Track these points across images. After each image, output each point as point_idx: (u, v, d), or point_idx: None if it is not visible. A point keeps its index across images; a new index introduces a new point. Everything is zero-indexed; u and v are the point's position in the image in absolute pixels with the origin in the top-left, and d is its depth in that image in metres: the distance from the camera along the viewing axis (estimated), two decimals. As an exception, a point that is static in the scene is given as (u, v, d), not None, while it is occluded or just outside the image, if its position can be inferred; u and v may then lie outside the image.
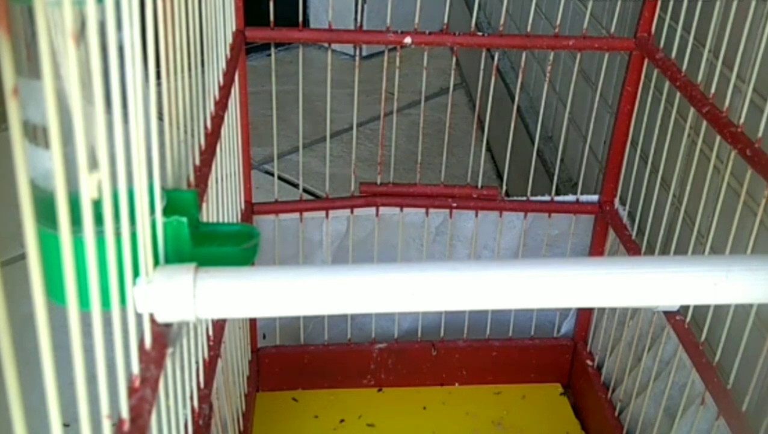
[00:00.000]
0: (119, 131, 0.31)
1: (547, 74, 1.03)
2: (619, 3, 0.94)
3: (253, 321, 1.00)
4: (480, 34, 0.90)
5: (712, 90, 0.72)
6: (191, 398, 0.54)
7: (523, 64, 0.99)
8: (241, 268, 0.34)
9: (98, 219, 0.29)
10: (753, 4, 0.68)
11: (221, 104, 0.66)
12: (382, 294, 0.34)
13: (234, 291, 0.34)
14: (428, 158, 1.73)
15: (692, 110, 0.75)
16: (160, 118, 0.39)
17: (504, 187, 1.01)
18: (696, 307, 0.79)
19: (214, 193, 0.62)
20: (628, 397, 0.91)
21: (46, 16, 0.23)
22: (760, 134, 0.64)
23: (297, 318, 1.03)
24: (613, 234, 0.95)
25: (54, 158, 0.24)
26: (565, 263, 0.35)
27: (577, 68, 0.97)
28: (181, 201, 0.40)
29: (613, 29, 0.91)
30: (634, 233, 0.91)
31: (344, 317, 1.05)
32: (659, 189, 0.87)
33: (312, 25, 2.31)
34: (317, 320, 1.05)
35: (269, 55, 2.16)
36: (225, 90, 0.68)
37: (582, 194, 0.99)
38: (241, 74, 0.84)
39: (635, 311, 0.91)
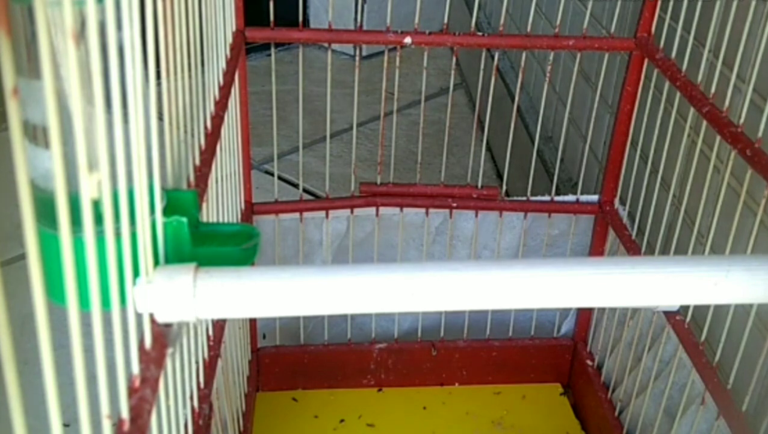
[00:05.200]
0: (119, 131, 0.31)
1: (547, 74, 1.03)
2: (619, 3, 0.94)
3: (253, 321, 1.00)
4: (480, 34, 0.90)
5: (712, 90, 0.72)
6: (191, 398, 0.54)
7: (523, 64, 0.99)
8: (241, 268, 0.34)
9: (98, 219, 0.29)
10: (753, 4, 0.68)
11: (221, 104, 0.66)
12: (382, 294, 0.34)
13: (234, 291, 0.34)
14: (428, 158, 1.73)
15: (692, 110, 0.75)
16: (160, 118, 0.39)
17: (504, 187, 1.01)
18: (696, 307, 0.79)
19: (214, 193, 0.62)
20: (628, 397, 0.91)
21: (46, 16, 0.23)
22: (760, 134, 0.64)
23: (297, 318, 1.03)
24: (613, 234, 0.95)
25: (54, 158, 0.24)
26: (565, 263, 0.35)
27: (577, 68, 0.97)
28: (181, 201, 0.40)
29: (613, 29, 0.91)
30: (634, 233, 0.91)
31: (344, 317, 1.05)
32: (659, 189, 0.87)
33: (312, 25, 2.31)
34: (317, 320, 1.05)
35: (269, 55, 2.16)
36: (225, 90, 0.68)
37: (582, 194, 0.99)
38: (241, 74, 0.84)
39: (635, 311, 0.91)
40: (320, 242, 1.00)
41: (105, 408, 0.29)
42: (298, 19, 0.87)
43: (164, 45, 0.44)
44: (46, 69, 0.23)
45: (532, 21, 1.14)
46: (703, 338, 0.74)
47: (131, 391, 0.33)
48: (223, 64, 0.71)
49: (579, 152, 1.21)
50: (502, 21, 0.97)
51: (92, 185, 0.27)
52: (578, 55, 0.97)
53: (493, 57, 1.45)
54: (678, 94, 0.78)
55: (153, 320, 0.35)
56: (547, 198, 0.99)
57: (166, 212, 0.38)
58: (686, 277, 0.35)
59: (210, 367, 0.62)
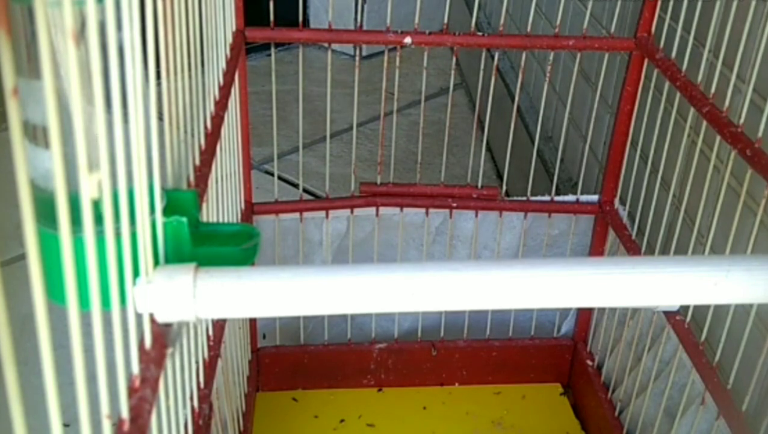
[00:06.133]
0: (119, 131, 0.31)
1: (547, 74, 1.03)
2: (619, 3, 0.94)
3: (253, 321, 1.00)
4: (480, 34, 0.90)
5: (712, 90, 0.72)
6: (191, 398, 0.54)
7: (523, 64, 0.99)
8: (241, 268, 0.34)
9: (98, 219, 0.29)
10: (753, 4, 0.68)
11: (221, 104, 0.66)
12: (382, 294, 0.34)
13: (234, 291, 0.34)
14: (428, 158, 1.73)
15: (692, 110, 0.75)
16: (160, 118, 0.39)
17: (504, 187, 1.01)
18: (696, 307, 0.79)
19: (214, 193, 0.62)
20: (628, 397, 0.91)
21: (46, 16, 0.23)
22: (760, 134, 0.64)
23: (297, 318, 1.03)
24: (613, 234, 0.95)
25: (54, 158, 0.24)
26: (565, 263, 0.35)
27: (577, 68, 0.97)
28: (181, 201, 0.40)
29: (613, 29, 0.91)
30: (634, 233, 0.91)
31: (344, 317, 1.05)
32: (659, 189, 0.87)
33: (312, 25, 2.31)
34: (317, 320, 1.05)
35: (269, 55, 2.16)
36: (225, 90, 0.68)
37: (582, 194, 0.99)
38: (241, 74, 0.84)
39: (635, 311, 0.91)
40: (320, 242, 1.00)
41: (105, 408, 0.29)
42: (298, 19, 0.87)
43: (164, 45, 0.44)
44: (46, 69, 0.23)
45: (532, 21, 1.14)
46: (703, 338, 0.74)
47: (131, 391, 0.33)
48: (223, 64, 0.71)
49: (579, 152, 1.21)
50: (502, 21, 0.97)
51: (92, 185, 0.27)
52: (578, 55, 0.97)
53: (493, 57, 1.45)
54: (678, 95, 0.78)
55: (153, 320, 0.35)
56: (547, 198, 0.99)
57: (166, 212, 0.38)
58: (686, 277, 0.35)
59: (210, 367, 0.62)
